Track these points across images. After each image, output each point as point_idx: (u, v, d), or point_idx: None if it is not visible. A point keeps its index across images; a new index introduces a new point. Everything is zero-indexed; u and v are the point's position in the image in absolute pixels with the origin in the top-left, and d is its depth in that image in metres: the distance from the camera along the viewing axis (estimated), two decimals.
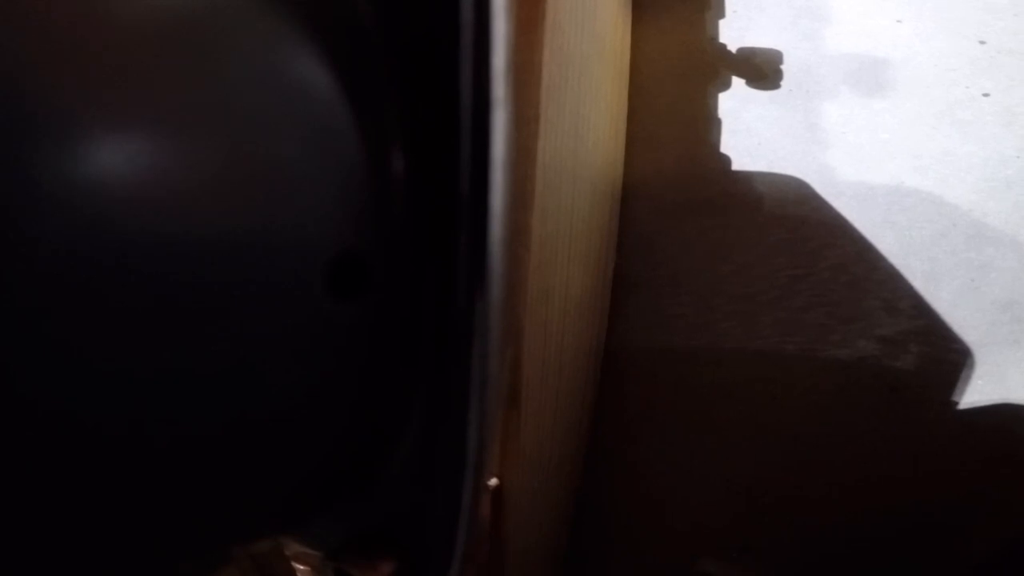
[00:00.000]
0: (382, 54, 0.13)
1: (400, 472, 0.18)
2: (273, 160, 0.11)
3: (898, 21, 0.37)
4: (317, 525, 0.20)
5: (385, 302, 0.13)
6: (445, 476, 0.16)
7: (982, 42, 0.37)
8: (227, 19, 0.12)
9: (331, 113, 0.12)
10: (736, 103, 0.37)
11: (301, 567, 0.27)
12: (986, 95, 0.36)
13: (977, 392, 0.34)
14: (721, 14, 0.38)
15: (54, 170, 0.11)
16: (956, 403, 0.34)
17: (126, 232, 0.11)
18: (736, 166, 0.36)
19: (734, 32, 0.37)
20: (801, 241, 0.35)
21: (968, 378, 0.34)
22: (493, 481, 0.25)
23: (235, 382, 0.12)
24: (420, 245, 0.13)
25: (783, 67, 0.37)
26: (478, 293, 0.12)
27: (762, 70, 0.37)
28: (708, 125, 0.37)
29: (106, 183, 0.11)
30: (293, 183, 0.11)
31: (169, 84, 0.12)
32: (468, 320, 0.12)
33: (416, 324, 0.13)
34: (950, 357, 0.34)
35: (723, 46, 0.37)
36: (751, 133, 0.36)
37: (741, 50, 0.37)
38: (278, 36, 0.12)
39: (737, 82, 0.37)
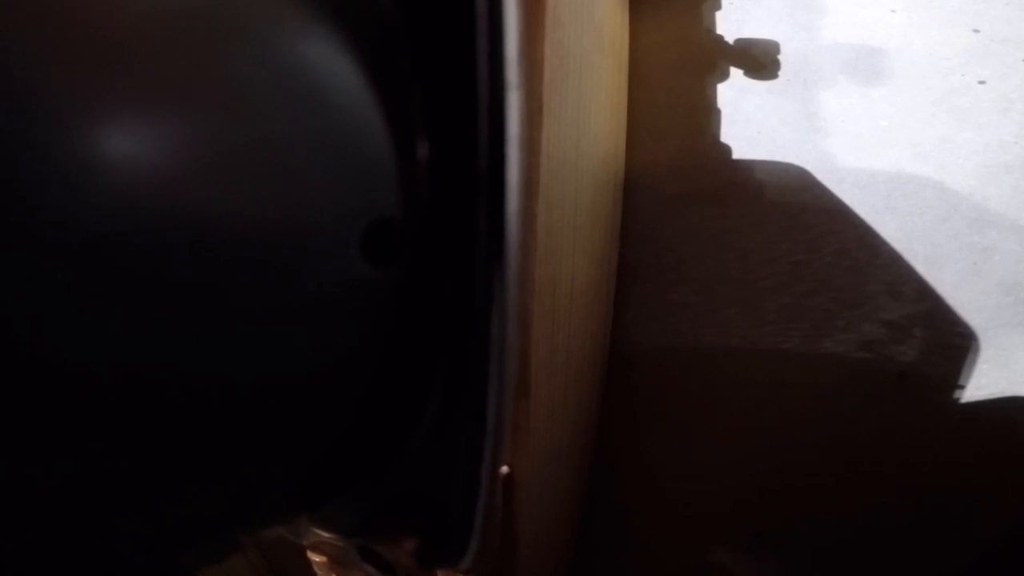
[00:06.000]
0: (404, 44, 0.14)
1: (420, 450, 0.19)
2: (311, 141, 0.13)
3: (892, 11, 0.39)
4: (336, 506, 0.22)
5: (412, 269, 0.14)
6: (465, 447, 0.17)
7: (976, 31, 0.39)
8: (256, 10, 0.14)
9: (361, 96, 0.14)
10: (735, 93, 0.39)
11: (317, 558, 0.27)
12: (982, 83, 0.38)
13: (984, 376, 0.36)
14: (718, 6, 0.40)
15: (86, 155, 0.12)
16: (963, 388, 0.36)
17: (156, 211, 0.12)
18: (736, 155, 0.38)
19: (731, 24, 0.40)
20: (803, 228, 0.37)
21: (974, 362, 0.36)
22: (504, 469, 0.26)
23: (272, 344, 0.13)
24: (443, 217, 0.14)
25: (780, 57, 0.39)
26: (497, 258, 0.13)
27: (760, 61, 0.39)
28: (708, 116, 0.39)
29: (132, 166, 0.12)
30: (331, 158, 0.13)
31: (199, 71, 0.13)
32: (487, 286, 0.14)
33: (439, 295, 0.15)
34: (955, 341, 0.36)
35: (720, 37, 0.39)
36: (750, 123, 0.38)
37: (738, 41, 0.39)
38: (307, 30, 0.14)
39: (735, 73, 0.39)
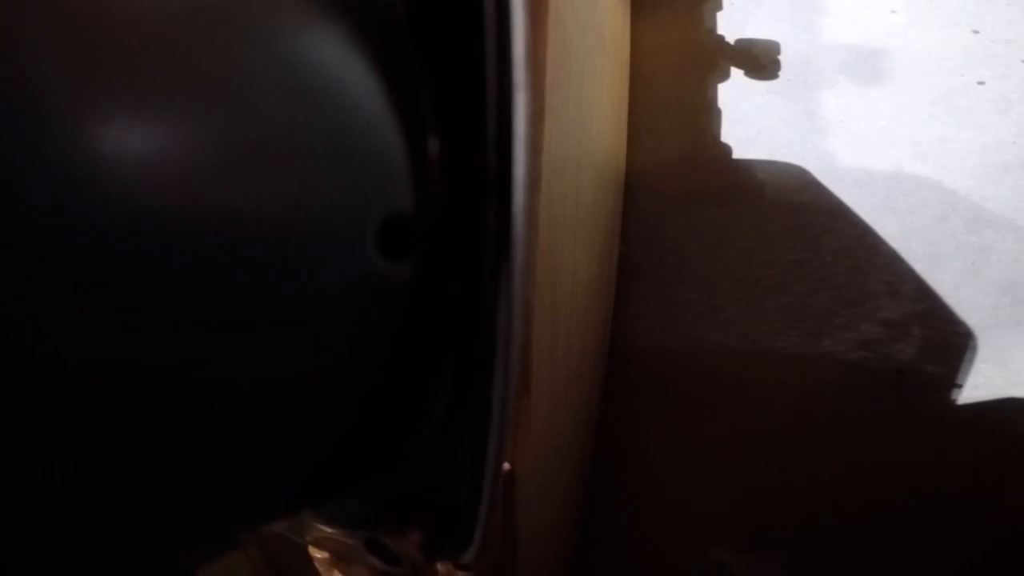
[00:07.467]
0: (411, 43, 0.15)
1: (426, 445, 0.20)
2: (321, 137, 0.13)
3: (892, 11, 0.40)
4: (342, 501, 0.22)
5: (422, 266, 0.15)
6: (470, 442, 0.18)
7: (975, 31, 0.40)
8: (263, 9, 0.14)
9: (372, 95, 0.14)
10: (736, 93, 0.40)
11: (319, 554, 0.28)
12: (981, 83, 0.39)
13: (981, 375, 0.36)
14: (719, 6, 0.40)
15: (88, 152, 0.12)
16: (961, 387, 0.36)
17: (162, 210, 0.12)
18: (737, 155, 0.39)
19: (732, 24, 0.40)
20: (803, 227, 0.38)
21: (972, 361, 0.36)
22: (505, 466, 0.27)
23: (284, 341, 0.13)
24: (452, 214, 0.15)
25: (781, 57, 0.39)
26: (504, 254, 0.14)
27: (760, 61, 0.40)
28: (709, 115, 0.39)
29: (138, 165, 0.12)
30: (344, 154, 0.14)
31: (207, 69, 0.13)
32: (495, 279, 0.14)
33: (446, 291, 0.15)
34: (953, 340, 0.36)
35: (721, 38, 0.40)
36: (751, 123, 0.39)
37: (739, 41, 0.40)
38: (315, 29, 0.14)
39: (736, 73, 0.40)
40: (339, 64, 0.14)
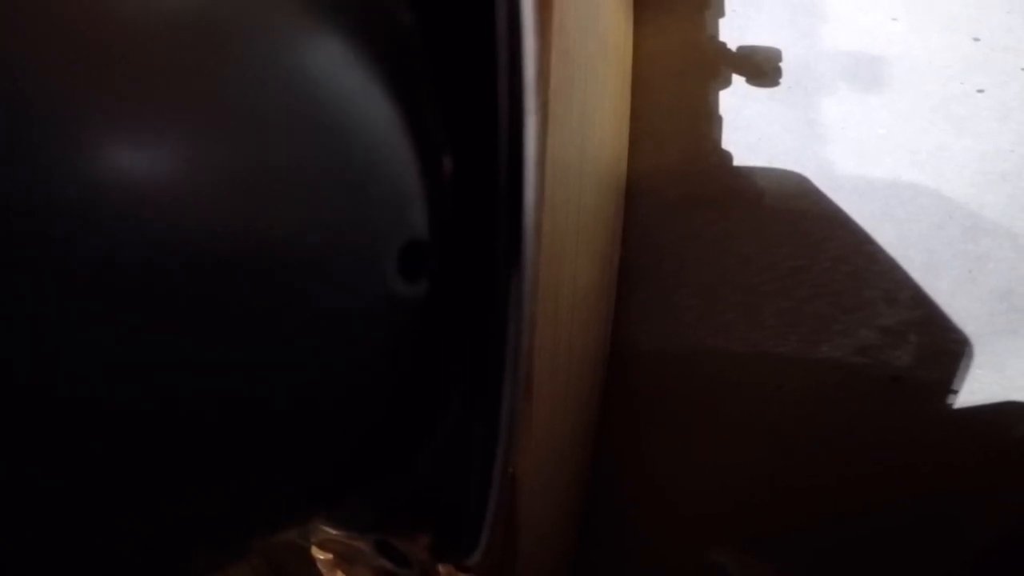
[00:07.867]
0: (427, 70, 0.15)
1: (437, 451, 0.20)
2: (345, 166, 0.14)
3: (893, 19, 0.40)
4: (354, 505, 0.23)
5: (437, 280, 0.15)
6: (480, 449, 0.18)
7: (975, 39, 0.40)
8: (284, 36, 0.15)
9: (392, 123, 0.15)
10: (736, 100, 0.40)
11: (323, 556, 0.29)
12: (980, 91, 0.40)
13: (977, 381, 0.37)
14: (720, 13, 0.41)
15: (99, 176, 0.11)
16: (956, 393, 0.37)
17: (170, 233, 0.12)
18: (737, 161, 0.40)
19: (733, 31, 0.41)
20: (802, 234, 0.38)
21: (968, 367, 0.37)
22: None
23: (310, 357, 0.14)
24: (464, 234, 0.15)
25: (782, 65, 0.40)
26: (514, 273, 0.15)
27: (761, 68, 0.40)
28: (709, 122, 0.40)
29: (141, 186, 0.12)
30: (365, 184, 0.14)
31: (222, 94, 0.14)
32: (505, 296, 0.15)
33: (457, 305, 0.16)
34: (949, 347, 0.37)
35: (723, 44, 0.41)
36: (752, 129, 0.40)
37: (741, 48, 0.40)
38: (339, 58, 0.15)
39: (737, 79, 0.40)
40: (355, 89, 0.15)
